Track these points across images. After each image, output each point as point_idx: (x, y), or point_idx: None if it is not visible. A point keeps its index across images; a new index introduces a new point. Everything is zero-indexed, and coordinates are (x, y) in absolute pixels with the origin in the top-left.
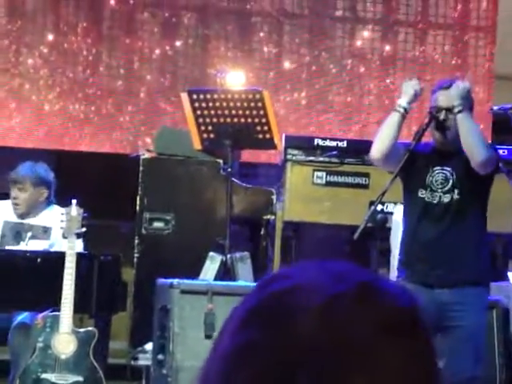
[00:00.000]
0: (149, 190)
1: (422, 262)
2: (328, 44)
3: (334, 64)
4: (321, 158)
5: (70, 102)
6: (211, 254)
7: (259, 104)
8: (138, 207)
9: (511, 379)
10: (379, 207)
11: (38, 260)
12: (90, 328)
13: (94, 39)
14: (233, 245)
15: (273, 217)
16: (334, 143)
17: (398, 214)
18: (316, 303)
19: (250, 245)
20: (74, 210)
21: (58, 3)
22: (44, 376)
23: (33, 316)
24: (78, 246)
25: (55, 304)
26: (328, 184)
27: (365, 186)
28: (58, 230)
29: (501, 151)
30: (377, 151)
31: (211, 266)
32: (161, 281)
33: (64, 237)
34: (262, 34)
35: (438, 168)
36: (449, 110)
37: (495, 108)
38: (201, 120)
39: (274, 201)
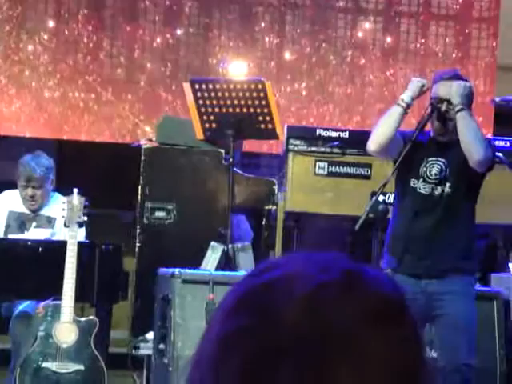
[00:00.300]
0: (150, 180)
1: (410, 252)
2: (329, 35)
3: (334, 55)
4: (323, 149)
5: (69, 90)
6: (213, 243)
7: (261, 94)
8: (139, 197)
9: (511, 371)
10: (381, 198)
11: (40, 249)
12: (91, 317)
13: (95, 26)
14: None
15: (274, 207)
16: (336, 134)
17: None
18: (302, 292)
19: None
20: (76, 198)
21: None
22: (45, 365)
23: (34, 305)
24: (80, 234)
25: (56, 293)
26: (330, 174)
27: (367, 177)
28: (62, 220)
29: (503, 143)
30: (374, 143)
31: (213, 255)
32: (162, 270)
33: (65, 225)
34: (263, 24)
35: (433, 159)
36: (450, 100)
37: (497, 99)
38: (203, 110)
39: (276, 191)
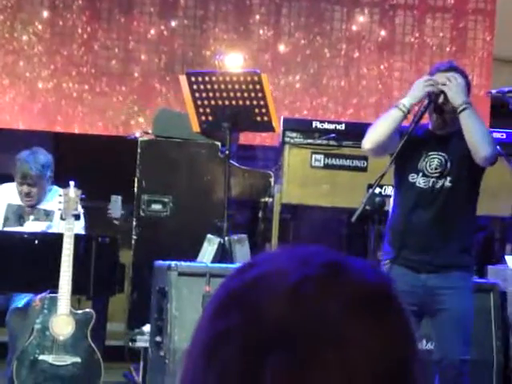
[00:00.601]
0: (147, 172)
1: (408, 246)
2: (324, 27)
3: (329, 48)
4: (319, 141)
5: (63, 80)
6: (209, 236)
7: (257, 86)
8: (135, 189)
9: (508, 362)
10: (377, 190)
11: (36, 241)
12: (87, 310)
13: (90, 17)
14: (230, 227)
15: (271, 199)
16: (332, 126)
17: None
18: (285, 288)
19: (247, 227)
20: (72, 191)
21: None
22: (42, 357)
23: (31, 298)
24: (77, 227)
25: (53, 286)
26: (326, 167)
27: (363, 169)
28: (59, 212)
29: (499, 135)
30: (369, 142)
31: (209, 248)
32: (158, 263)
33: (62, 218)
34: (258, 17)
35: (434, 153)
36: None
37: (493, 91)
38: (199, 102)
39: (272, 183)
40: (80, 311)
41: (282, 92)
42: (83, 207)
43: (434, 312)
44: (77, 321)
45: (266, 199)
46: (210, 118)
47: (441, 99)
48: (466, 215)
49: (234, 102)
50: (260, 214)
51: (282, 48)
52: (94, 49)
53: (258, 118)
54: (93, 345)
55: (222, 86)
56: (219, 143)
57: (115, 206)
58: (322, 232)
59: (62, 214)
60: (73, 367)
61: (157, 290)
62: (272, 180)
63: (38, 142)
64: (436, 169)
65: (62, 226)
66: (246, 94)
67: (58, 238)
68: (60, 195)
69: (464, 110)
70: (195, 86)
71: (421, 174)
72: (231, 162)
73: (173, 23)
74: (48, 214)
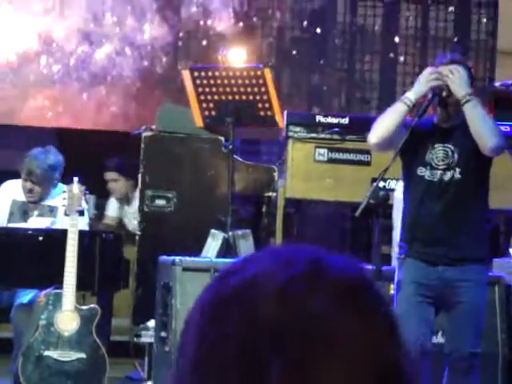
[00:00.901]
0: (150, 168)
1: (422, 240)
2: (329, 18)
3: (335, 39)
4: (322, 135)
5: None
6: (213, 231)
7: (260, 81)
8: (139, 185)
9: None
10: (381, 184)
11: (40, 238)
12: (92, 305)
13: None
14: (234, 222)
15: (274, 194)
16: (335, 120)
17: (399, 191)
18: (271, 290)
19: (251, 222)
20: (76, 187)
21: None
22: (47, 353)
23: (35, 294)
24: (81, 223)
25: (58, 282)
26: (330, 161)
27: (367, 163)
28: (63, 208)
29: (503, 127)
30: (375, 136)
31: (213, 243)
32: (163, 258)
33: (66, 214)
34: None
35: (440, 145)
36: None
37: (497, 84)
38: (202, 97)
39: (276, 178)
40: (85, 307)
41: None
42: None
43: (451, 304)
44: (82, 316)
45: (270, 194)
46: (214, 112)
47: (445, 93)
48: (477, 207)
49: (237, 97)
50: (264, 209)
51: (287, 40)
52: None
53: (261, 113)
54: (98, 340)
55: (225, 81)
56: (223, 138)
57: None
58: (325, 226)
59: (65, 210)
60: (78, 363)
61: (161, 286)
62: (276, 174)
63: (42, 137)
64: (443, 160)
65: (66, 222)
66: (249, 89)
67: (63, 234)
68: (64, 191)
69: (467, 101)
70: (198, 81)
71: (428, 167)
72: (235, 156)
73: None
74: (52, 210)
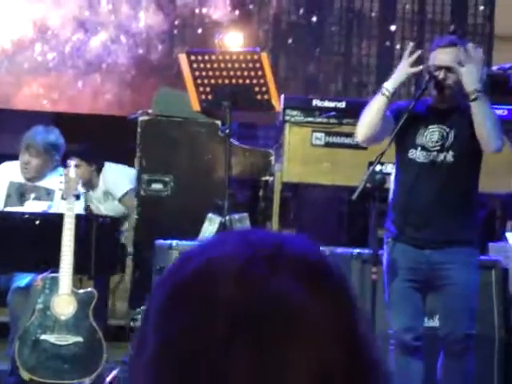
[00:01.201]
0: (147, 152)
1: (411, 223)
2: (326, 4)
3: (332, 24)
4: (319, 119)
5: None
6: (210, 215)
7: (257, 65)
8: (136, 169)
9: (509, 339)
10: (378, 168)
11: (37, 222)
12: (89, 289)
13: None
14: (231, 206)
15: (271, 178)
16: (332, 104)
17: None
18: (232, 270)
19: (248, 206)
20: (73, 171)
21: None
22: (43, 337)
23: (32, 278)
24: (77, 207)
25: (54, 265)
26: (327, 145)
27: (364, 147)
28: (60, 192)
29: (500, 111)
30: (360, 134)
31: (210, 227)
32: (159, 242)
33: (63, 198)
34: None
35: (435, 126)
36: (448, 68)
37: (494, 68)
38: (199, 81)
39: (273, 162)
40: (81, 291)
41: (287, 71)
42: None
43: (439, 287)
44: (78, 300)
45: (267, 178)
46: (210, 96)
47: (441, 75)
48: (468, 191)
49: (233, 81)
50: (261, 193)
51: (283, 25)
52: None
53: (258, 97)
54: (94, 324)
55: (222, 65)
56: (219, 122)
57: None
58: (322, 210)
59: (62, 193)
60: (74, 347)
61: (158, 269)
62: (273, 158)
63: (40, 121)
64: (437, 142)
65: (63, 206)
66: (245, 73)
67: (59, 218)
68: (61, 175)
69: (475, 99)
70: (195, 65)
71: (419, 149)
72: (231, 140)
73: None
74: (49, 193)
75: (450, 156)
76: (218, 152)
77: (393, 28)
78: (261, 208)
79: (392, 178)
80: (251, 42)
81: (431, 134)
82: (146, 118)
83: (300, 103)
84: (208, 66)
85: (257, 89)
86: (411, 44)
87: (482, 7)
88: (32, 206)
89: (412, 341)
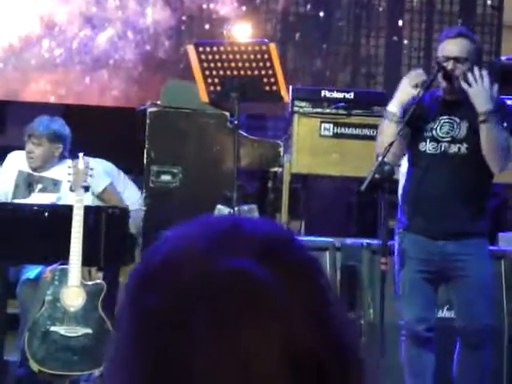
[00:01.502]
0: (156, 144)
1: (423, 214)
2: None
3: (340, 16)
4: (328, 110)
5: None
6: (219, 206)
7: (266, 56)
8: (145, 160)
9: None
10: (386, 159)
11: (46, 214)
12: (98, 281)
13: None
14: (240, 197)
15: (280, 169)
16: (341, 95)
17: (404, 166)
18: (193, 253)
19: (257, 197)
20: (81, 163)
21: None
22: (53, 329)
23: (41, 269)
24: (86, 199)
25: (63, 257)
26: (335, 136)
27: (372, 138)
28: (68, 184)
29: (509, 101)
30: (391, 159)
31: None
32: None
33: (71, 190)
34: None
35: (445, 117)
36: (456, 59)
37: (503, 58)
38: (207, 72)
39: (282, 153)
40: (91, 282)
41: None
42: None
43: (453, 278)
44: (87, 292)
45: (276, 169)
46: (219, 88)
47: (450, 65)
48: (482, 182)
49: (242, 72)
50: (269, 184)
51: (291, 17)
52: None
53: (267, 88)
54: (104, 316)
55: (231, 56)
56: (228, 113)
57: None
58: (331, 201)
59: (71, 185)
60: (84, 338)
61: None
62: (281, 150)
63: (48, 113)
64: (448, 133)
65: (71, 198)
66: (254, 64)
67: (68, 209)
68: (69, 167)
69: (484, 121)
70: (203, 56)
71: (428, 140)
72: (240, 132)
73: None
74: (56, 184)
75: (463, 148)
76: (226, 143)
77: (401, 19)
78: (270, 199)
79: (401, 169)
80: (259, 36)
81: (442, 125)
82: (154, 109)
83: (309, 94)
84: (216, 57)
85: (265, 80)
86: (419, 71)
87: None
88: (41, 198)
89: (424, 332)
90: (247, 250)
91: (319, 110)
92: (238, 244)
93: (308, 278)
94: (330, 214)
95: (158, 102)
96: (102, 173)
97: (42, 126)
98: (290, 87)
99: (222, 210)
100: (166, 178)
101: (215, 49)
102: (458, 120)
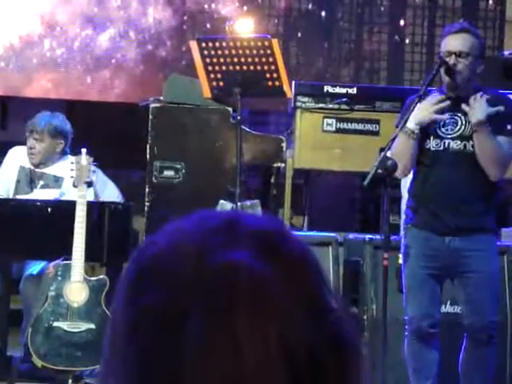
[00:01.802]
0: (159, 139)
1: (431, 210)
2: None
3: (342, 10)
4: (330, 105)
5: None
6: (221, 201)
7: (268, 51)
8: (148, 156)
9: None
10: (389, 153)
11: (49, 209)
12: (101, 276)
13: None
14: (243, 192)
15: (283, 164)
16: (343, 90)
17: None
18: (190, 249)
19: (260, 192)
20: (84, 159)
21: None
22: (56, 324)
23: (44, 265)
24: (89, 194)
25: (66, 253)
26: (338, 131)
27: (375, 133)
28: (70, 180)
29: None
30: (403, 174)
31: None
32: None
33: (74, 186)
34: None
35: (449, 113)
36: (458, 54)
37: (506, 53)
38: (210, 68)
39: (284, 148)
40: (94, 278)
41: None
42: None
43: (460, 274)
44: (91, 287)
45: (279, 164)
46: (221, 83)
47: (452, 60)
48: (488, 179)
49: (244, 68)
50: (272, 180)
51: (295, 12)
52: None
53: (269, 83)
54: (107, 311)
55: (233, 52)
56: (231, 109)
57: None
58: (334, 196)
59: (74, 181)
60: (87, 334)
61: None
62: (284, 145)
63: (51, 109)
64: (452, 129)
65: (75, 194)
66: (256, 59)
67: (71, 205)
68: (72, 162)
69: (475, 131)
70: (206, 52)
71: (432, 137)
72: (243, 127)
73: None
74: (57, 180)
75: (469, 145)
76: (229, 139)
77: (403, 15)
78: (272, 194)
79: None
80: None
81: (445, 123)
82: (157, 104)
83: (311, 89)
84: (219, 52)
85: (268, 75)
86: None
87: None
88: (44, 194)
89: (428, 327)
90: (243, 244)
91: (322, 105)
92: (234, 238)
93: (305, 273)
94: (333, 209)
95: (161, 98)
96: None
97: (44, 121)
98: (293, 82)
99: (224, 205)
100: (168, 173)
101: (218, 44)
102: (462, 117)
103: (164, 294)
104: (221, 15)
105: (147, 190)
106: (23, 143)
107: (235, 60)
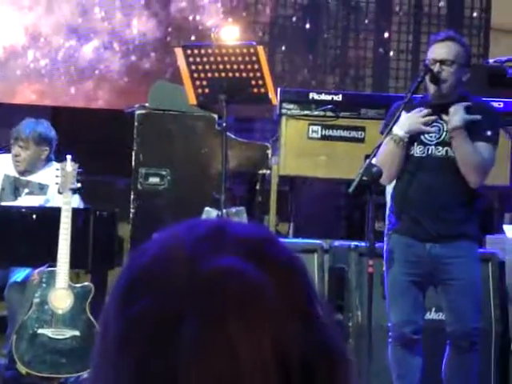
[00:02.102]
0: (144, 146)
1: (412, 217)
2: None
3: (328, 18)
4: (316, 112)
5: None
6: (207, 208)
7: (253, 58)
8: (133, 163)
9: (506, 331)
10: (374, 160)
11: (34, 216)
12: (86, 283)
13: None
14: (228, 199)
15: (268, 171)
16: (329, 97)
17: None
18: (180, 256)
19: (245, 199)
20: (69, 165)
21: None
22: (41, 331)
23: (29, 272)
24: (74, 201)
25: (51, 260)
26: (323, 138)
27: (360, 140)
28: (55, 187)
29: (496, 104)
30: (388, 181)
31: None
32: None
33: (59, 192)
34: None
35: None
36: (443, 61)
37: (491, 61)
38: (195, 75)
39: (270, 155)
40: (79, 285)
41: (283, 63)
42: (81, 181)
43: (442, 281)
44: (75, 294)
45: (264, 171)
46: (207, 90)
47: (436, 68)
48: (469, 186)
49: (230, 75)
50: (258, 186)
51: (280, 19)
52: None
53: (255, 90)
54: (92, 318)
55: (218, 59)
56: (216, 116)
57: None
58: (319, 203)
59: (59, 188)
60: (72, 341)
61: None
62: (269, 152)
63: (36, 116)
64: (435, 136)
65: (60, 200)
66: (242, 66)
67: (56, 212)
68: (57, 169)
69: (451, 137)
70: (191, 59)
71: (416, 144)
72: (228, 134)
73: None
74: (42, 188)
75: (451, 152)
76: (214, 145)
77: (389, 22)
78: (258, 201)
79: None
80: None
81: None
82: (142, 111)
83: (297, 96)
84: (204, 59)
85: (253, 82)
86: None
87: (478, 0)
88: (28, 201)
89: (411, 334)
90: (232, 250)
91: (307, 112)
92: (222, 245)
93: (293, 278)
94: (318, 216)
95: (146, 105)
96: None
97: (29, 128)
98: (278, 89)
99: (210, 212)
100: (154, 180)
101: (203, 51)
102: (444, 124)
103: (158, 299)
104: (205, 27)
105: (132, 196)
106: (7, 150)
107: (221, 67)
